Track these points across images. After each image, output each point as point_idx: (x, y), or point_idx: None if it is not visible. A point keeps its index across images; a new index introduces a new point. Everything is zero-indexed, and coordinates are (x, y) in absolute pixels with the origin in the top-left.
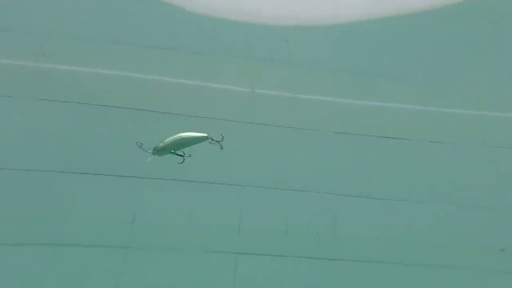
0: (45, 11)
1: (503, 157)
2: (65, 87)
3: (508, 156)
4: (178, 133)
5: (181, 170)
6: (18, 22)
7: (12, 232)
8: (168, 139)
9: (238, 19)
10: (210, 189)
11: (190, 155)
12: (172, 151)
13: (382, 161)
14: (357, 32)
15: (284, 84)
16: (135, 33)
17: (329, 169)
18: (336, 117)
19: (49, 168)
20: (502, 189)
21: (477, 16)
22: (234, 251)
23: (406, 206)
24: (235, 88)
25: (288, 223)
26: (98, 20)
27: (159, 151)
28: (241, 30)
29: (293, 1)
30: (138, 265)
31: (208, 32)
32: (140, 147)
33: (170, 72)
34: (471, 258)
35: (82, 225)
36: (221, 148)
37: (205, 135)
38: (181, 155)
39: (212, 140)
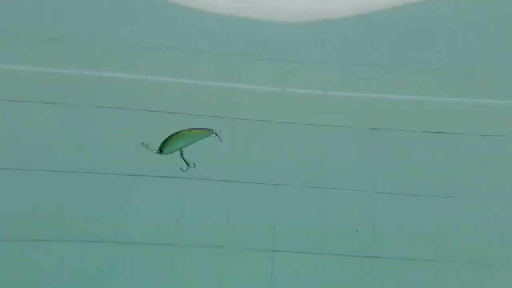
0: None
1: None
2: (115, 94)
3: None
4: (180, 130)
5: (216, 170)
6: (75, 33)
7: (78, 230)
8: (172, 137)
9: (264, 18)
10: (245, 188)
11: (195, 166)
12: (181, 150)
13: (422, 157)
14: (386, 25)
15: (313, 82)
16: (168, 38)
17: (366, 166)
18: (371, 113)
19: (103, 171)
20: None
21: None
22: (270, 249)
23: (448, 203)
24: (264, 88)
25: (324, 221)
26: (136, 27)
27: (162, 151)
28: (262, 28)
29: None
30: (186, 262)
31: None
32: (146, 147)
33: (201, 75)
34: None
35: (136, 223)
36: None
37: (209, 130)
38: (187, 164)
39: (216, 135)
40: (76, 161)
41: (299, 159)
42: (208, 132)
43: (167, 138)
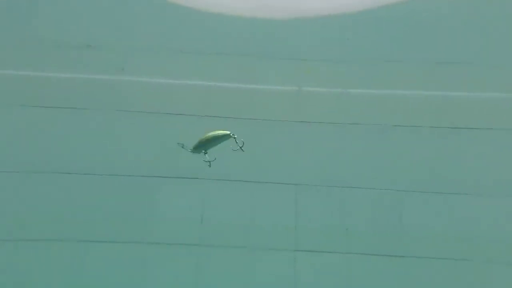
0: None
1: None
2: (140, 98)
3: None
4: (207, 133)
5: (237, 171)
6: (99, 39)
7: (107, 230)
8: (201, 138)
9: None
10: (266, 188)
11: (215, 159)
12: (204, 151)
13: (448, 153)
14: (402, 21)
15: (331, 80)
16: (186, 41)
17: (388, 164)
18: (393, 109)
19: (130, 173)
20: None
21: None
22: (292, 248)
23: (474, 200)
24: (281, 88)
25: (348, 220)
26: (162, 32)
27: (194, 149)
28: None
29: None
30: (210, 262)
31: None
32: (182, 147)
33: (219, 76)
34: None
35: (162, 224)
36: (240, 148)
37: (228, 132)
38: (207, 161)
39: (234, 137)
40: (102, 164)
41: (318, 158)
42: (227, 135)
43: (201, 139)
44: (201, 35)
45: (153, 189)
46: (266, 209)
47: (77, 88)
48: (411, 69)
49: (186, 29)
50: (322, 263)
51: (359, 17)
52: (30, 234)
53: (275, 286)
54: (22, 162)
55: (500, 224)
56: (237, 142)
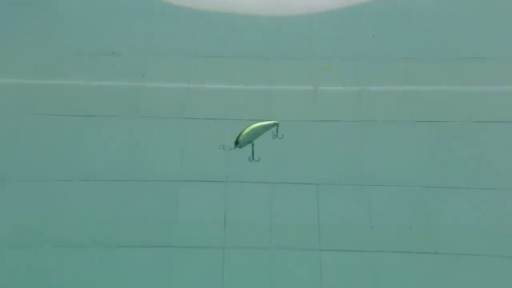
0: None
1: None
2: (162, 103)
3: None
4: (251, 125)
5: (257, 172)
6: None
7: (133, 236)
8: (245, 131)
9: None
10: (287, 189)
11: (259, 159)
12: (252, 143)
13: (471, 148)
14: (419, 17)
15: (348, 78)
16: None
17: (411, 160)
18: (414, 105)
19: (153, 178)
20: None
21: None
22: (317, 248)
23: (502, 195)
24: (298, 88)
25: (373, 218)
26: (179, 37)
27: (240, 143)
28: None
29: None
30: (235, 264)
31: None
32: (223, 148)
33: (235, 79)
34: None
35: (185, 228)
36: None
37: (276, 122)
38: (253, 156)
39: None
40: (128, 170)
41: (338, 157)
42: (274, 123)
43: (240, 133)
44: (216, 38)
45: (175, 193)
46: (288, 209)
47: (102, 95)
48: (431, 66)
49: (201, 33)
50: (348, 262)
51: (376, 14)
52: (55, 241)
53: (301, 286)
54: (48, 170)
55: None
56: (277, 130)
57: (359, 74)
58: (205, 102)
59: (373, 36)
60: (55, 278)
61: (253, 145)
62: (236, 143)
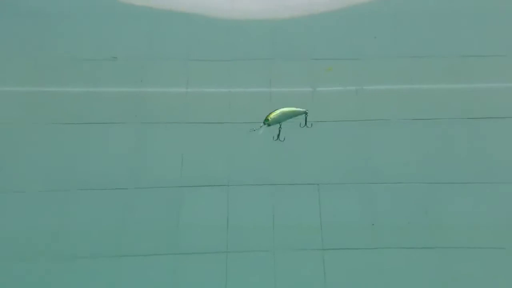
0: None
1: None
2: (162, 108)
3: None
4: (280, 108)
5: (259, 175)
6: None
7: (136, 244)
8: (275, 113)
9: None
10: (289, 190)
11: (284, 139)
12: (279, 124)
13: (471, 144)
14: (412, 14)
15: (347, 78)
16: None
17: (412, 159)
18: (410, 103)
19: (155, 185)
20: None
21: None
22: (320, 248)
23: (504, 189)
24: (299, 89)
25: (373, 216)
26: (177, 41)
27: (269, 122)
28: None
29: None
30: (239, 267)
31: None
32: (254, 130)
33: (234, 82)
34: None
35: (188, 234)
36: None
37: (305, 110)
38: (278, 137)
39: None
40: (128, 177)
41: (339, 156)
42: (303, 111)
43: (269, 114)
44: (215, 41)
45: (177, 199)
46: (290, 210)
47: (101, 101)
48: (430, 63)
49: (200, 36)
50: (351, 261)
51: (380, 12)
52: (56, 252)
53: (305, 286)
54: (47, 179)
55: None
56: (306, 119)
57: (360, 74)
58: (205, 106)
59: (375, 38)
60: None
61: (280, 125)
62: (266, 120)
